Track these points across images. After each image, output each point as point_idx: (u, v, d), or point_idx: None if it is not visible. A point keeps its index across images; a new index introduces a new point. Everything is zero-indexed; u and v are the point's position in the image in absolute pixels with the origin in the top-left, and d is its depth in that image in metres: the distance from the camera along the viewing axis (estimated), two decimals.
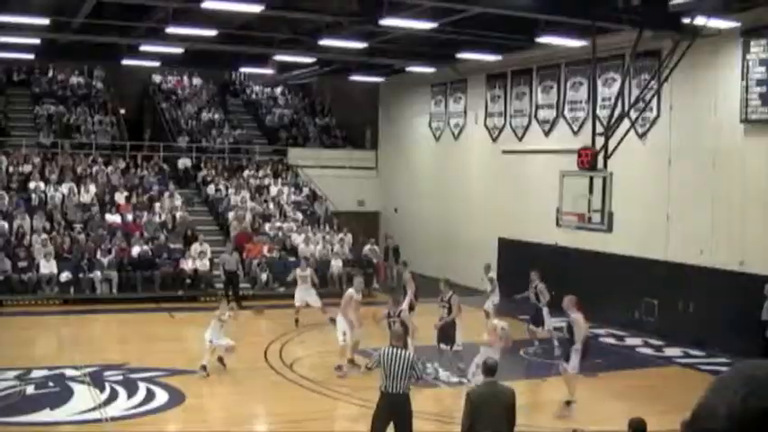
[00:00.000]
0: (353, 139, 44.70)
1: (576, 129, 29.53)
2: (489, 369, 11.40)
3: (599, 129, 24.11)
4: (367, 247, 33.65)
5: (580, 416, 16.91)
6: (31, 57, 37.88)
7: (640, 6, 22.85)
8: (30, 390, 18.16)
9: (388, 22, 25.24)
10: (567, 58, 29.55)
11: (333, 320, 22.51)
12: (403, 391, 12.72)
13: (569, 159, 24.73)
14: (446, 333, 19.91)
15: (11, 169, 35.10)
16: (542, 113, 31.44)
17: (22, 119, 40.44)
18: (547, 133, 31.24)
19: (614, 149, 23.64)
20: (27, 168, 35.33)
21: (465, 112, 36.25)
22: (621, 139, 23.93)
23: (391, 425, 12.84)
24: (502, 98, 33.66)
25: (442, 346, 19.92)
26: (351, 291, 21.29)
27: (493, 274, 26.52)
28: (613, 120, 24.27)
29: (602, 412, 17.66)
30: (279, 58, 35.13)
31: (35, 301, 28.44)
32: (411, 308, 25.23)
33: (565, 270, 27.09)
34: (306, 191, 38.81)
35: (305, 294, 26.70)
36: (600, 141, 23.82)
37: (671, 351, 23.90)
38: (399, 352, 12.80)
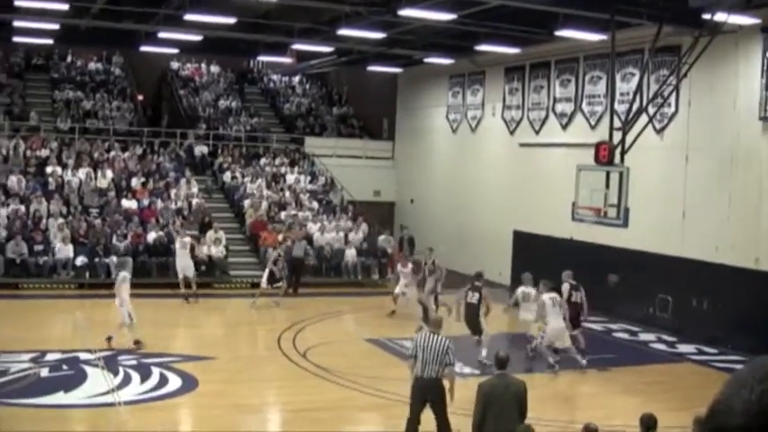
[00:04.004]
0: (370, 130, 44.69)
1: (593, 123, 29.45)
2: (500, 361, 11.41)
3: (617, 123, 24.06)
4: (382, 238, 33.65)
5: (592, 410, 16.90)
6: (50, 42, 38.04)
7: (660, 1, 22.77)
8: (44, 372, 18.27)
9: (407, 12, 25.20)
10: (586, 51, 29.46)
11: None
12: (436, 376, 13.01)
13: (586, 153, 24.69)
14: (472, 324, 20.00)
15: (28, 153, 35.24)
16: (560, 107, 31.37)
17: (41, 104, 40.57)
18: (564, 127, 31.17)
19: (631, 144, 23.59)
20: (44, 153, 35.47)
21: (483, 104, 36.18)
22: (639, 134, 23.87)
23: None
24: (520, 91, 33.60)
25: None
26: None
27: (411, 265, 26.65)
28: (631, 115, 24.21)
29: (614, 407, 17.66)
30: (297, 47, 35.11)
31: (51, 284, 28.56)
32: (435, 296, 25.39)
33: (579, 264, 27.03)
34: (322, 180, 38.82)
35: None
36: (617, 136, 23.77)
37: (684, 347, 23.81)
38: (436, 338, 13.07)
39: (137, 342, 20.37)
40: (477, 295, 20.33)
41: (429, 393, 13.09)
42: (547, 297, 20.56)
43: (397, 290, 25.95)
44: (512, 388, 11.10)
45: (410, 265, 26.55)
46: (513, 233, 32.52)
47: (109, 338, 20.25)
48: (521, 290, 23.13)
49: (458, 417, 14.71)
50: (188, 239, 28.05)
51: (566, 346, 20.40)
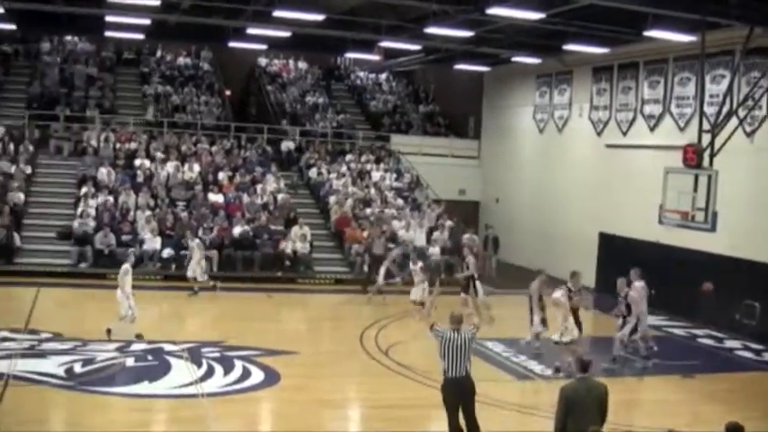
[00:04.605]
0: (456, 128, 44.59)
1: (682, 125, 29.06)
2: (584, 365, 11.29)
3: (705, 126, 23.75)
4: (466, 237, 33.48)
5: (674, 416, 16.72)
6: (140, 37, 38.56)
7: (752, 2, 22.41)
8: (130, 362, 18.56)
9: (495, 11, 25.10)
10: (675, 52, 29.08)
11: None
12: (466, 373, 12.99)
13: (674, 156, 24.42)
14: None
15: (117, 146, 35.77)
16: (648, 108, 30.99)
17: (130, 97, 41.25)
18: (652, 128, 30.79)
19: (721, 147, 23.29)
20: (133, 146, 35.99)
21: (570, 104, 35.90)
22: (729, 137, 23.55)
23: None
24: (607, 91, 33.27)
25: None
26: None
27: (422, 264, 26.55)
28: (721, 117, 23.90)
29: (698, 414, 17.38)
30: (384, 44, 35.16)
31: (137, 275, 28.85)
32: (466, 288, 25.23)
33: (665, 268, 26.72)
34: (407, 178, 38.80)
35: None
36: (706, 139, 23.47)
37: None
38: (458, 335, 13.01)
39: (138, 336, 20.42)
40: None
41: (461, 393, 13.05)
42: (640, 286, 20.59)
43: (412, 296, 25.67)
44: (594, 391, 10.98)
45: (420, 263, 26.47)
46: (599, 235, 32.20)
47: (108, 331, 20.30)
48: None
49: (540, 419, 14.67)
50: (195, 243, 28.09)
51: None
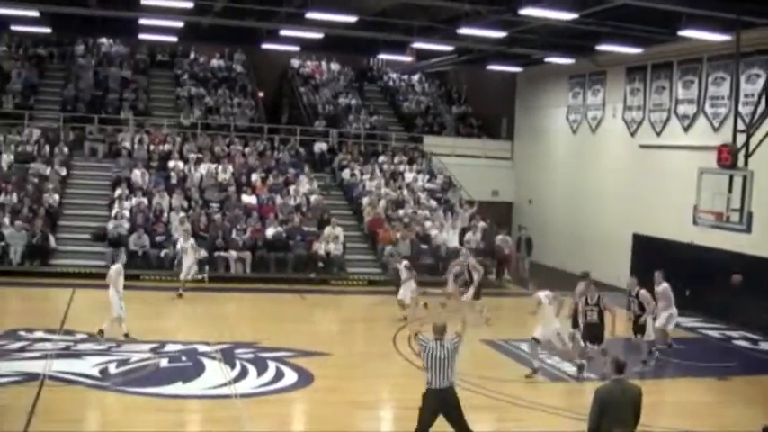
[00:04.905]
0: (489, 129, 44.51)
1: (716, 125, 28.86)
2: (619, 366, 11.23)
3: (740, 126, 23.61)
4: (499, 238, 33.44)
5: (708, 418, 16.62)
6: (174, 39, 38.77)
7: None
8: (163, 363, 18.65)
9: (527, 11, 25.06)
10: (710, 52, 28.87)
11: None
12: (449, 384, 12.75)
13: (708, 156, 24.29)
14: (593, 333, 19.18)
15: (151, 148, 35.95)
16: (682, 108, 30.81)
17: (164, 99, 41.47)
18: (686, 129, 30.60)
19: (756, 147, 23.14)
20: (167, 147, 36.15)
21: (603, 104, 35.74)
22: (764, 137, 23.40)
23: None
24: (641, 92, 33.10)
25: (589, 344, 19.18)
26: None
27: (406, 262, 26.18)
28: (756, 117, 23.74)
29: (731, 417, 17.21)
30: (417, 45, 35.14)
31: (171, 276, 29.01)
32: (477, 295, 25.08)
33: (699, 269, 26.58)
34: (440, 179, 38.74)
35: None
36: (741, 139, 23.33)
37: None
38: (441, 346, 12.76)
39: (126, 335, 20.42)
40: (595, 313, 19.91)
41: (443, 404, 12.70)
42: (663, 288, 20.52)
43: (400, 296, 25.13)
44: (628, 393, 10.94)
45: (405, 262, 26.17)
46: (633, 236, 32.04)
47: (101, 332, 20.33)
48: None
49: (574, 420, 14.63)
50: (189, 244, 27.95)
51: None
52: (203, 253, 29.17)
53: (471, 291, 25.08)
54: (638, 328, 20.06)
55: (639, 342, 20.26)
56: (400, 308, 24.54)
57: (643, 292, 20.07)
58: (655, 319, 20.71)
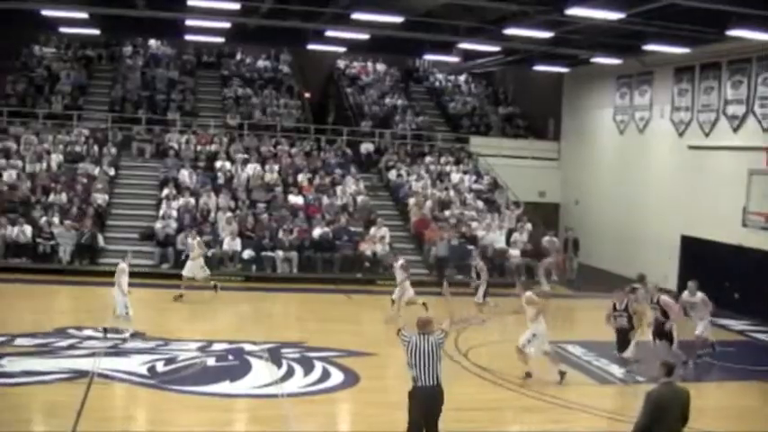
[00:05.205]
0: (536, 130, 44.34)
1: (766, 126, 28.53)
2: (669, 369, 11.14)
3: None
4: (546, 239, 33.28)
5: (753, 423, 16.43)
6: (220, 40, 38.94)
7: None
8: (210, 362, 18.71)
9: (574, 11, 24.94)
10: (759, 52, 28.56)
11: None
12: (437, 381, 12.22)
13: (758, 157, 24.08)
14: (620, 339, 19.03)
15: (198, 148, 36.14)
16: (731, 109, 30.48)
17: (211, 100, 41.67)
18: (735, 129, 30.27)
19: None
20: (214, 148, 36.31)
21: (651, 105, 35.45)
22: None
23: None
24: (689, 92, 32.80)
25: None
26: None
27: (402, 261, 25.88)
28: None
29: None
30: (463, 46, 35.07)
31: (218, 276, 29.14)
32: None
33: (747, 272, 26.32)
34: (486, 179, 38.61)
35: None
36: None
37: None
38: (425, 340, 12.26)
39: (133, 334, 20.38)
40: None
41: (430, 404, 12.18)
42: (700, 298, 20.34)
43: (395, 295, 25.02)
44: (678, 396, 10.87)
45: (401, 261, 25.88)
46: (681, 238, 31.79)
47: (105, 330, 20.42)
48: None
49: (622, 423, 14.51)
50: (196, 241, 26.99)
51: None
52: (209, 252, 29.13)
53: (481, 291, 25.07)
54: (661, 334, 19.45)
55: (659, 347, 19.84)
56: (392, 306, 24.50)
57: (664, 297, 19.52)
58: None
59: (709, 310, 21.04)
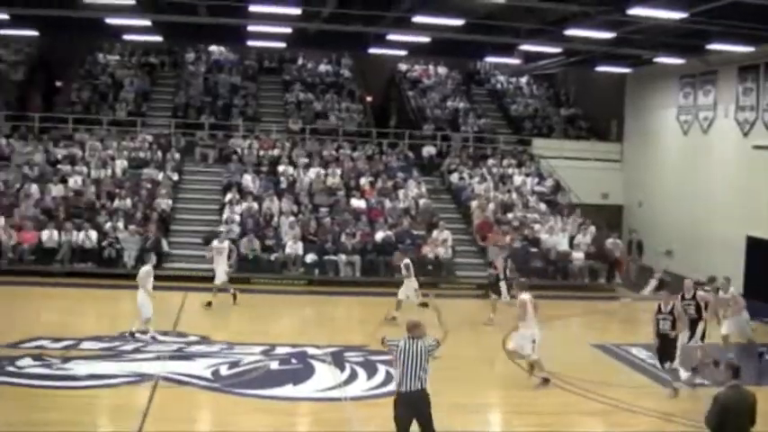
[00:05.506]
0: (598, 131, 44.02)
1: None
2: (736, 370, 11.00)
3: None
4: (609, 241, 33.02)
5: None
6: (282, 45, 39.17)
7: None
8: (274, 365, 18.85)
9: (636, 11, 24.77)
10: None
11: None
12: (421, 387, 12.00)
13: None
14: (664, 345, 17.94)
15: (261, 153, 36.35)
16: None
17: (273, 105, 41.88)
18: None
19: None
20: (276, 152, 36.50)
21: (714, 104, 35.03)
22: None
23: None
24: (754, 91, 32.36)
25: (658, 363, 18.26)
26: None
27: (407, 260, 25.62)
28: None
29: None
30: (524, 47, 34.95)
31: (281, 280, 29.30)
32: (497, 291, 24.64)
33: None
34: (549, 182, 38.41)
35: None
36: None
37: None
38: (414, 343, 12.07)
39: (153, 337, 20.52)
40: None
41: (416, 409, 11.98)
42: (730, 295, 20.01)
43: (400, 295, 24.91)
44: (746, 399, 10.75)
45: (406, 260, 25.64)
46: (747, 238, 31.40)
47: (132, 333, 20.51)
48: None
49: (687, 428, 14.36)
50: (225, 245, 26.35)
51: None
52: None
53: (504, 288, 24.88)
54: (693, 331, 18.86)
55: (723, 349, 19.44)
56: (395, 307, 24.36)
57: (701, 293, 19.09)
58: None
59: (741, 308, 20.68)
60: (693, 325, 18.66)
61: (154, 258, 22.71)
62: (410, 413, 11.97)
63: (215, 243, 26.30)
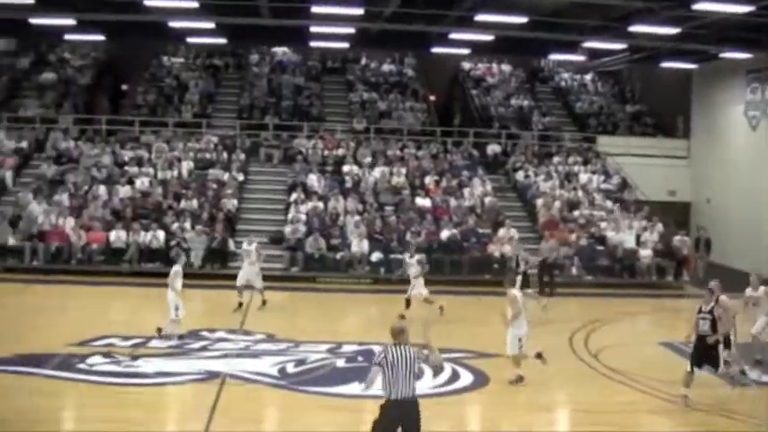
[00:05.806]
0: (664, 128, 43.64)
1: None
2: None
3: None
4: (677, 238, 32.70)
5: None
6: (345, 45, 39.28)
7: None
8: (340, 363, 18.91)
9: (701, 6, 24.57)
10: None
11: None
12: (412, 396, 11.30)
13: None
14: (702, 347, 16.85)
15: (326, 153, 36.47)
16: None
17: (337, 105, 42.06)
18: None
19: None
20: (341, 152, 36.62)
21: None
22: None
23: None
24: None
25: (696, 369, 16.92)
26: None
27: (418, 256, 25.58)
28: None
29: None
30: (588, 44, 34.73)
31: (346, 278, 29.39)
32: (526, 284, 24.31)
33: None
34: (615, 179, 38.10)
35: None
36: None
37: None
38: (403, 350, 11.40)
39: (180, 336, 20.38)
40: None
41: (403, 418, 11.23)
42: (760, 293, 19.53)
43: (414, 292, 24.87)
44: None
45: (417, 257, 25.80)
46: None
47: (159, 330, 20.31)
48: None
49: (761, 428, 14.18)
50: (254, 247, 25.59)
51: None
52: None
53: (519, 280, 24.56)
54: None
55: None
56: (405, 305, 24.30)
57: (723, 298, 17.57)
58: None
59: None
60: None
61: (183, 258, 22.73)
62: (397, 422, 11.30)
63: (244, 245, 26.00)
